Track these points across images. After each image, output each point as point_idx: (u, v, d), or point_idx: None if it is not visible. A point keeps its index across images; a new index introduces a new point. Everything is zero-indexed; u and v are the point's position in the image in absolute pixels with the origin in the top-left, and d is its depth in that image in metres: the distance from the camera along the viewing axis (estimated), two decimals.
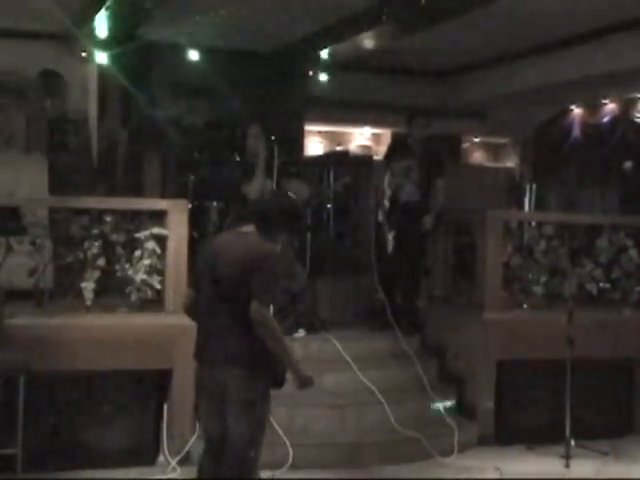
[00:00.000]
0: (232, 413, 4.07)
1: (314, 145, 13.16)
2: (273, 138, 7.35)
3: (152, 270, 6.05)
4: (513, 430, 6.89)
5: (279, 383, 4.16)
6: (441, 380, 7.19)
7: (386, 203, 7.58)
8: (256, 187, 7.07)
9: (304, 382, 4.16)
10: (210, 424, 4.23)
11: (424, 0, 7.05)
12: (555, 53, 9.97)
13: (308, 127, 11.91)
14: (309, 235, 8.15)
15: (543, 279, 7.23)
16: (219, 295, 4.12)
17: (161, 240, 6.10)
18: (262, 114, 10.27)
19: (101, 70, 8.82)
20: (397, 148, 7.98)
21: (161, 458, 5.93)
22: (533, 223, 7.43)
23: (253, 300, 3.99)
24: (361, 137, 13.77)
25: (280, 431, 5.86)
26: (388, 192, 7.57)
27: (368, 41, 9.00)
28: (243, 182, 7.18)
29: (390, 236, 7.48)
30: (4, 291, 5.63)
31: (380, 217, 7.64)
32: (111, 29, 8.15)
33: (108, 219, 6.02)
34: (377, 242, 7.76)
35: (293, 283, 6.81)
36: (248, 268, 4.04)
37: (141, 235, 6.06)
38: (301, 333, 7.03)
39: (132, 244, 6.07)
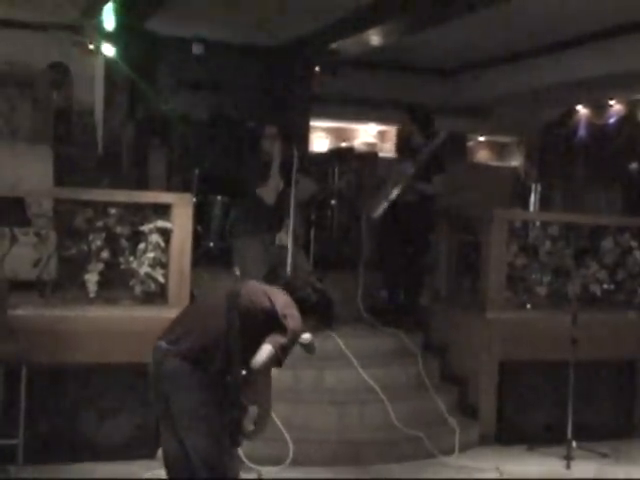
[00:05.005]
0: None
1: (319, 141, 13.16)
2: (292, 141, 7.00)
3: (156, 263, 6.04)
4: (514, 430, 6.87)
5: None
6: (443, 379, 7.17)
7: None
8: (271, 189, 6.76)
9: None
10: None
11: None
12: (562, 53, 9.96)
13: (313, 123, 11.90)
14: (313, 231, 8.12)
15: (547, 279, 7.20)
16: None
17: (165, 233, 6.08)
18: (267, 109, 10.31)
19: (108, 62, 8.81)
20: (404, 149, 7.74)
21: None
22: (538, 223, 7.41)
23: None
24: (366, 134, 13.76)
25: (281, 427, 5.85)
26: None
27: (375, 38, 8.99)
28: (257, 184, 6.81)
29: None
30: (8, 282, 5.63)
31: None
32: (118, 22, 8.16)
33: (113, 211, 6.00)
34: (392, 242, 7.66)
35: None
36: None
37: (145, 228, 6.05)
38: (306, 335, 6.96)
39: (136, 237, 6.05)
